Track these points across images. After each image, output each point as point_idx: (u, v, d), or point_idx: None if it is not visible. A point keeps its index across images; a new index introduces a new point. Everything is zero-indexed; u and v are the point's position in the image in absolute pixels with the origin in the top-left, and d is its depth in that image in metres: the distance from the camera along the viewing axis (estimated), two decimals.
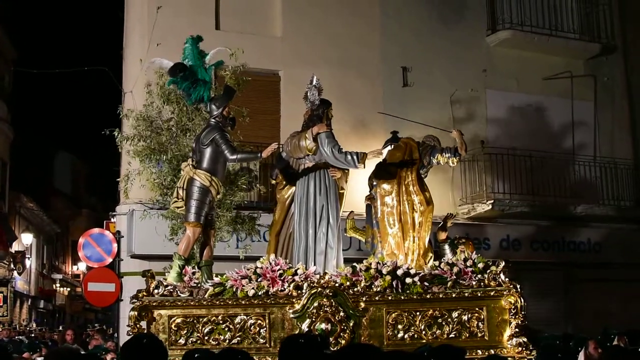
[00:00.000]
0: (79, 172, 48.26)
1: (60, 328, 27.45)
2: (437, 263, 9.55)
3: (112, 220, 17.88)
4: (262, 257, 9.56)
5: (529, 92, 20.29)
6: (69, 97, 53.75)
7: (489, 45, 20.25)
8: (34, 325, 34.32)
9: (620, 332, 11.44)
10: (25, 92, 36.59)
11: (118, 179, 14.97)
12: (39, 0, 46.67)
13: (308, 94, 10.08)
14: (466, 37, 19.98)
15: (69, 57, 43.69)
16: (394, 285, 9.00)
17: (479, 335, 9.02)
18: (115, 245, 17.20)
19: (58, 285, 43.43)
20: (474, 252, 9.90)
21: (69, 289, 45.06)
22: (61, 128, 52.80)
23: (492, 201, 18.54)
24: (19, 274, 32.67)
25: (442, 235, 12.80)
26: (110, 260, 17.28)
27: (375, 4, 19.31)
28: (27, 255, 33.48)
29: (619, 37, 21.81)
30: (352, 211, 11.33)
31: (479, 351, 8.88)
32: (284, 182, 10.33)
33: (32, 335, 24.49)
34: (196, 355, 5.39)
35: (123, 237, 17.12)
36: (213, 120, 9.71)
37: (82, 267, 41.34)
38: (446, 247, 12.83)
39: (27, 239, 33.54)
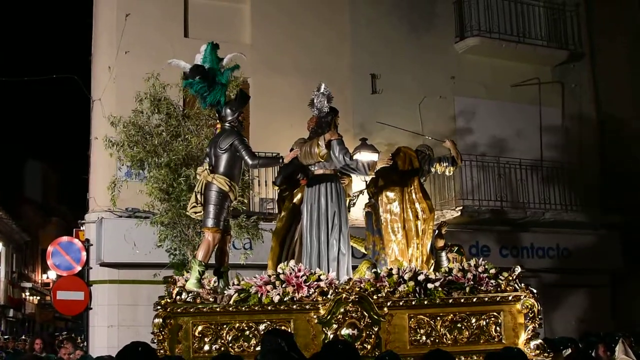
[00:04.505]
0: (48, 180, 47.83)
1: (23, 337, 27.13)
2: (446, 268, 9.77)
3: (82, 228, 17.82)
4: (263, 263, 9.47)
5: (497, 99, 20.42)
6: (38, 104, 53.36)
7: (458, 52, 20.38)
8: None
9: (625, 334, 11.55)
10: None
11: (88, 193, 14.84)
12: (6, 8, 46.38)
13: (315, 100, 9.92)
14: (435, 44, 20.10)
15: (37, 64, 43.44)
16: (417, 291, 9.08)
17: (497, 338, 9.25)
18: (84, 253, 17.19)
19: (27, 293, 43.00)
20: (482, 260, 9.96)
21: (38, 298, 44.62)
22: (30, 136, 52.45)
23: (461, 207, 18.64)
24: None
25: (440, 243, 12.94)
26: (79, 268, 17.27)
27: (345, 11, 19.38)
28: None
29: (586, 44, 22.00)
30: None
31: None
32: (289, 189, 10.28)
33: None
34: None
35: (92, 245, 17.11)
36: (228, 125, 9.41)
37: (51, 275, 40.89)
38: (443, 254, 12.91)
39: None
